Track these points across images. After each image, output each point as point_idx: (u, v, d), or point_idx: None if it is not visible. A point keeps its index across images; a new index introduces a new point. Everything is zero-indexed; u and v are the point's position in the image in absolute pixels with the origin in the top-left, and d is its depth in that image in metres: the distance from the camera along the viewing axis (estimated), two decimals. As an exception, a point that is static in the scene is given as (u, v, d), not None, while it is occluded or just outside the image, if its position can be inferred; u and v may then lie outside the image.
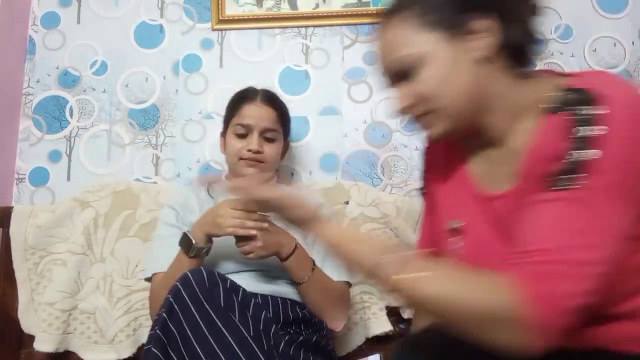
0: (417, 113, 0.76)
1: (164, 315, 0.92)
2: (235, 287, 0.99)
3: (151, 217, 1.48)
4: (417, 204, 1.49)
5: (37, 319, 1.42)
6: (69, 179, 1.64)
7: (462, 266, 0.70)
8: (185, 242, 1.12)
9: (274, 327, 1.01)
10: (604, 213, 0.59)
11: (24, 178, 1.65)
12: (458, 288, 0.63)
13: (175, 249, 1.15)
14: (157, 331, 0.91)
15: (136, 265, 1.45)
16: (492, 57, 0.72)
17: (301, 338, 1.11)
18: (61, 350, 1.40)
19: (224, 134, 1.38)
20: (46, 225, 1.47)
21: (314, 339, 1.14)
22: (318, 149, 1.61)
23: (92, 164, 1.64)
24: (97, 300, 1.43)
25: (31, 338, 1.41)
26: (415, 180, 1.57)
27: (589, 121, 0.61)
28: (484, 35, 0.71)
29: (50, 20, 1.72)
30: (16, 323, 1.44)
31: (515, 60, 0.74)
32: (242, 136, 1.30)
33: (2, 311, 1.45)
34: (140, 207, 1.50)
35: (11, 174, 1.64)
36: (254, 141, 1.28)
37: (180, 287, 0.94)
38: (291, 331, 1.14)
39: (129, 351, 1.41)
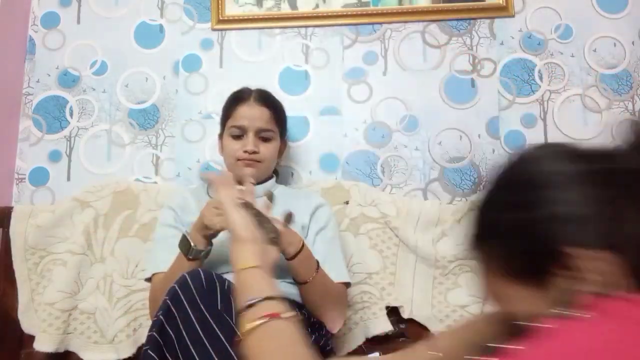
0: None
1: (161, 317, 0.92)
2: (233, 288, 0.99)
3: (151, 217, 1.48)
4: (417, 204, 1.49)
5: (37, 319, 1.42)
6: (69, 179, 1.64)
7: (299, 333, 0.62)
8: (184, 244, 1.12)
9: None
10: None
11: (24, 178, 1.65)
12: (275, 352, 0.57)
13: (175, 250, 1.15)
14: (154, 333, 0.91)
15: (136, 265, 1.45)
16: None
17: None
18: (61, 350, 1.40)
19: (221, 136, 1.38)
20: (46, 225, 1.47)
21: (312, 338, 1.14)
22: (318, 149, 1.61)
23: (92, 164, 1.64)
24: (97, 300, 1.43)
25: (31, 338, 1.41)
26: (415, 180, 1.58)
27: None
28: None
29: (50, 20, 1.72)
30: (16, 323, 1.44)
31: None
32: (238, 137, 1.31)
33: (2, 311, 1.45)
34: (140, 207, 1.50)
35: (11, 174, 1.64)
36: (249, 142, 1.28)
37: (177, 289, 0.94)
38: None
39: (129, 351, 1.41)
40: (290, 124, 1.56)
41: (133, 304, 1.43)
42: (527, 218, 0.51)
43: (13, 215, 1.49)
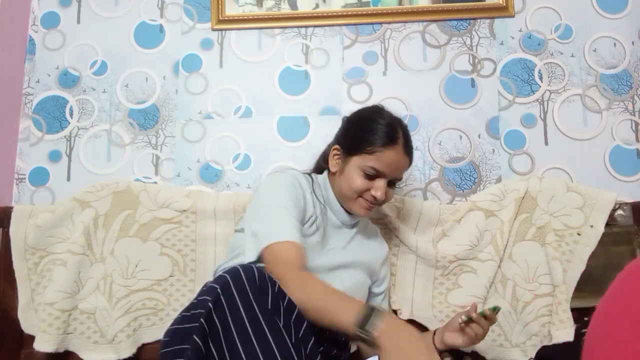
0: None
1: (210, 305, 0.88)
2: (282, 292, 0.96)
3: (151, 217, 1.48)
4: (417, 204, 1.49)
5: (37, 319, 1.43)
6: (69, 179, 1.64)
7: None
8: (369, 314, 0.92)
9: (312, 339, 0.99)
10: None
11: (24, 178, 1.65)
12: None
13: (298, 222, 1.11)
14: (202, 320, 0.87)
15: (136, 266, 1.45)
16: None
17: (331, 352, 1.11)
18: (61, 350, 1.40)
19: (345, 152, 1.24)
20: (46, 225, 1.47)
21: (334, 352, 1.13)
22: (318, 149, 1.60)
23: (92, 164, 1.64)
24: (97, 300, 1.43)
25: (31, 338, 1.41)
26: (415, 180, 1.57)
27: None
28: None
29: (50, 20, 1.72)
30: (16, 323, 1.44)
31: None
32: (369, 176, 1.19)
33: (2, 311, 1.45)
34: (140, 207, 1.50)
35: (11, 174, 1.64)
36: (381, 189, 1.18)
37: (229, 279, 0.89)
38: (319, 346, 1.11)
39: (129, 351, 1.41)
40: (290, 124, 1.56)
41: (133, 304, 1.43)
42: None
43: (13, 215, 1.48)
